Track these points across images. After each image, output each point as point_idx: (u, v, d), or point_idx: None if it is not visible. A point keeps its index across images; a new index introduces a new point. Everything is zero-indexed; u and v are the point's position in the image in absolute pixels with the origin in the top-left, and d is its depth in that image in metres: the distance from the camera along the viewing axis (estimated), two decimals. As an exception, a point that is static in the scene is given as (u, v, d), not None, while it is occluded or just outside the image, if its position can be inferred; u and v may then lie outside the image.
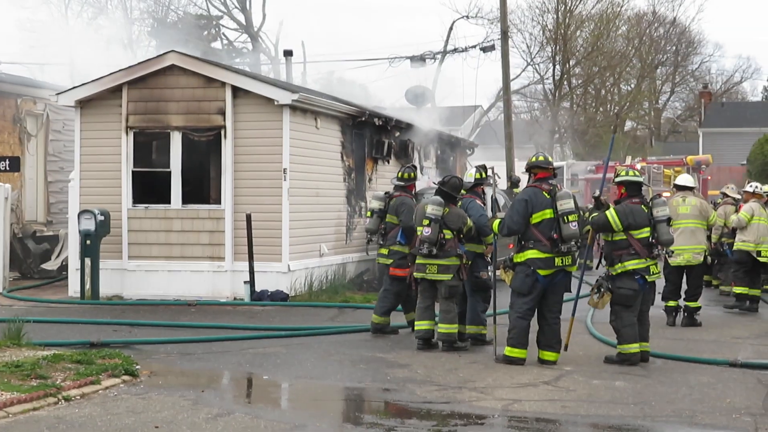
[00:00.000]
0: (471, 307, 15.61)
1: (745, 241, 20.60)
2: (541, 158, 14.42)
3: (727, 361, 14.26)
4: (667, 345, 15.76)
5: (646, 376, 13.40)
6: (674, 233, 17.82)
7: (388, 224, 16.96)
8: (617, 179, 14.72)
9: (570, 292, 14.44)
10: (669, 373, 13.68)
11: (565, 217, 13.80)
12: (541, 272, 13.82)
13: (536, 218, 13.88)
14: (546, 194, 13.98)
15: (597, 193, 16.51)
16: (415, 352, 15.02)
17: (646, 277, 14.15)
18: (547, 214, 13.89)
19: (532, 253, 13.86)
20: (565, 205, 13.86)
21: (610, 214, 14.24)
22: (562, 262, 13.86)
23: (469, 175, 16.06)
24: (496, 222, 14.42)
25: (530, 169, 14.40)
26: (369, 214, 16.59)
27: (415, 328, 15.44)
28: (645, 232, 14.22)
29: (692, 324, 18.25)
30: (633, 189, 14.58)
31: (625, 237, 14.19)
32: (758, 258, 20.59)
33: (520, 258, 14.00)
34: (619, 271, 14.16)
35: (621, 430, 10.56)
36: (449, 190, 15.43)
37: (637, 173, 14.89)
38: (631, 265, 14.11)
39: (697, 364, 14.31)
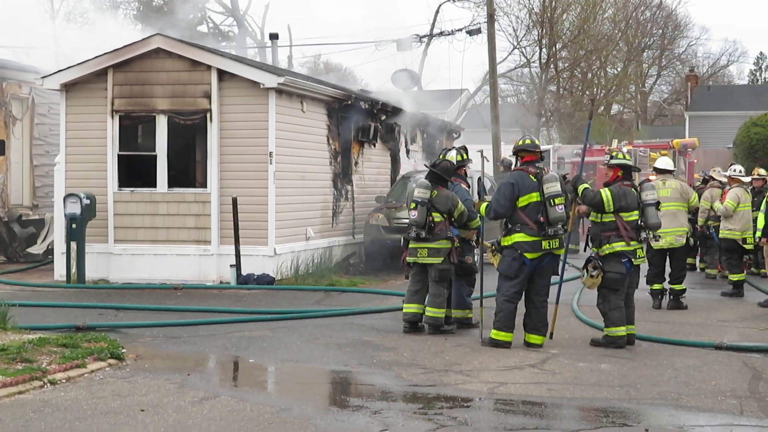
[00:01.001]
0: (456, 291, 15.62)
1: (731, 229, 20.62)
2: (528, 141, 14.40)
3: (713, 343, 14.30)
4: (653, 328, 15.80)
5: (631, 359, 13.42)
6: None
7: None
8: (613, 161, 14.72)
9: (557, 275, 14.47)
10: (655, 355, 13.71)
11: (551, 200, 13.79)
12: (528, 255, 13.83)
13: (523, 201, 13.88)
14: (533, 177, 13.98)
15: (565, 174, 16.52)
16: (401, 336, 15.03)
17: (633, 260, 14.18)
18: (534, 197, 13.88)
19: (518, 237, 13.86)
20: (552, 188, 13.85)
21: (605, 193, 14.25)
22: (549, 246, 13.86)
23: (450, 158, 15.97)
24: (483, 205, 14.43)
25: (517, 152, 14.40)
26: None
27: (404, 310, 15.44)
28: (634, 215, 14.26)
29: (678, 307, 18.29)
30: (627, 172, 14.61)
31: (614, 219, 14.21)
32: (744, 245, 20.62)
33: (507, 241, 14.00)
34: (607, 252, 14.18)
35: (607, 413, 10.57)
36: (440, 172, 15.41)
37: (622, 156, 14.90)
38: (619, 246, 14.13)
39: (682, 347, 14.34)
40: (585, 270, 14.38)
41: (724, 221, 20.80)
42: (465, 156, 16.12)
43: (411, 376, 12.21)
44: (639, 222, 14.28)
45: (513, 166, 14.72)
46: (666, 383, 11.97)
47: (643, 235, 14.31)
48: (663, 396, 11.31)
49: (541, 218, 13.81)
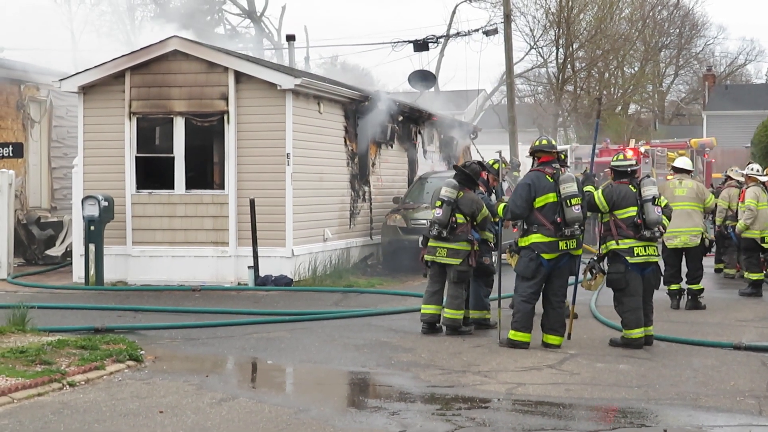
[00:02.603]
0: (474, 292, 15.63)
1: (750, 228, 20.53)
2: (544, 142, 14.39)
3: (731, 343, 14.25)
4: (671, 328, 15.76)
5: (649, 359, 13.40)
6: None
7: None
8: (611, 164, 14.77)
9: (575, 275, 14.45)
10: (673, 355, 13.68)
11: (568, 201, 13.77)
12: (545, 256, 13.81)
13: (539, 202, 13.86)
14: (549, 178, 13.97)
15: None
16: (419, 337, 15.03)
17: (628, 258, 14.09)
18: (551, 198, 13.87)
19: (535, 237, 13.85)
20: (568, 188, 13.83)
21: (597, 194, 14.25)
22: (566, 246, 13.84)
23: (491, 161, 16.22)
24: (501, 206, 14.43)
25: (534, 153, 14.39)
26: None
27: (422, 311, 15.44)
28: (630, 212, 14.13)
29: (696, 307, 18.25)
30: (618, 175, 14.57)
31: (609, 218, 14.21)
32: (762, 244, 20.54)
33: (524, 242, 13.99)
34: (604, 252, 14.19)
35: (625, 413, 10.57)
36: (471, 173, 15.48)
37: (622, 157, 14.83)
38: (612, 245, 14.12)
39: (701, 347, 14.30)
40: (584, 273, 14.40)
41: (743, 220, 20.66)
42: (505, 164, 16.15)
43: (429, 377, 12.22)
44: (636, 219, 14.18)
45: (531, 167, 14.70)
46: (684, 383, 11.95)
47: (644, 232, 14.15)
48: (681, 396, 11.29)
49: (558, 219, 13.79)
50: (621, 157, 14.80)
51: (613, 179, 14.63)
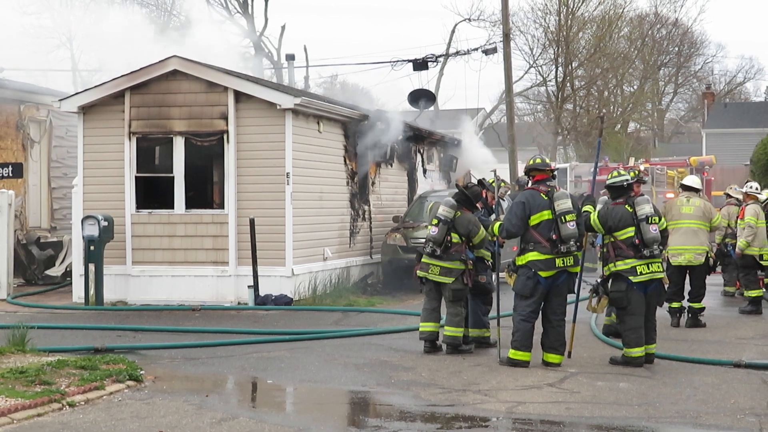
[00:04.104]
0: (473, 311, 15.62)
1: (750, 246, 20.55)
2: (538, 160, 14.44)
3: (732, 361, 14.24)
4: (672, 346, 15.75)
5: (650, 377, 13.39)
6: (674, 233, 17.80)
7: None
8: (608, 182, 14.78)
9: (574, 293, 14.45)
10: (673, 374, 13.67)
11: (562, 217, 13.80)
12: (543, 274, 13.82)
13: (534, 220, 13.90)
14: (544, 196, 14.00)
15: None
16: (419, 355, 15.02)
17: (631, 278, 14.09)
18: (545, 215, 13.90)
19: (532, 255, 13.87)
20: (562, 205, 13.87)
21: (592, 216, 14.28)
22: (563, 263, 13.86)
23: (490, 181, 16.23)
24: (497, 225, 14.45)
25: (528, 171, 14.46)
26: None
27: (421, 329, 15.43)
28: (628, 233, 14.13)
29: (696, 325, 18.23)
30: (614, 192, 14.57)
31: (612, 239, 14.23)
32: (761, 262, 20.57)
33: (521, 260, 14.01)
34: (607, 273, 14.20)
35: (625, 432, 10.56)
36: (471, 195, 15.50)
37: (615, 174, 14.78)
38: (614, 267, 14.13)
39: (701, 365, 14.29)
40: (590, 295, 14.42)
41: (743, 237, 20.68)
42: (504, 183, 16.09)
43: (429, 395, 12.21)
44: (635, 239, 14.17)
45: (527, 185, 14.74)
46: (685, 401, 11.94)
47: (644, 251, 14.13)
48: (682, 414, 11.28)
49: (554, 236, 13.82)
50: (615, 174, 14.78)
51: (611, 198, 14.64)
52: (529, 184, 14.43)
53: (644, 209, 14.21)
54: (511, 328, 14.12)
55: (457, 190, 15.83)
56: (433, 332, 15.33)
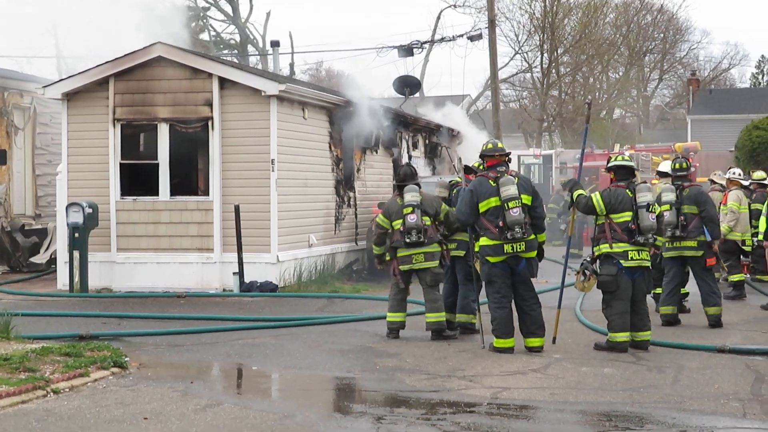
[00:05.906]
0: (462, 296, 15.64)
1: (732, 231, 20.64)
2: (489, 146, 14.48)
3: (716, 347, 14.30)
4: (656, 331, 15.75)
5: (634, 363, 13.42)
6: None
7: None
8: (608, 165, 14.78)
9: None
10: (657, 359, 13.71)
11: (506, 204, 13.83)
12: (491, 259, 13.89)
13: (483, 207, 13.98)
14: (492, 182, 14.03)
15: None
16: (404, 342, 15.04)
17: (622, 262, 14.11)
18: (492, 202, 13.94)
19: (483, 241, 14.02)
20: (506, 192, 13.89)
21: (595, 197, 14.29)
22: (512, 249, 13.87)
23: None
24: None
25: (481, 156, 14.49)
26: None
27: (390, 319, 15.51)
28: (625, 216, 14.17)
29: (681, 311, 18.26)
30: (621, 173, 14.59)
31: (604, 221, 14.24)
32: (743, 247, 20.67)
33: (476, 247, 14.17)
34: (597, 253, 14.23)
35: (610, 417, 10.58)
36: (405, 178, 15.69)
37: (627, 158, 14.90)
38: (605, 248, 14.15)
39: (685, 351, 14.35)
40: (578, 274, 14.44)
41: (726, 223, 20.77)
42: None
43: (414, 381, 12.22)
44: (631, 224, 14.20)
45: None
46: (669, 387, 11.98)
47: (638, 237, 14.17)
48: (666, 399, 11.31)
49: (500, 222, 13.83)
50: (619, 158, 14.81)
51: (615, 180, 14.61)
52: (481, 170, 14.50)
53: (646, 197, 14.25)
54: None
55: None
56: (402, 322, 15.47)
